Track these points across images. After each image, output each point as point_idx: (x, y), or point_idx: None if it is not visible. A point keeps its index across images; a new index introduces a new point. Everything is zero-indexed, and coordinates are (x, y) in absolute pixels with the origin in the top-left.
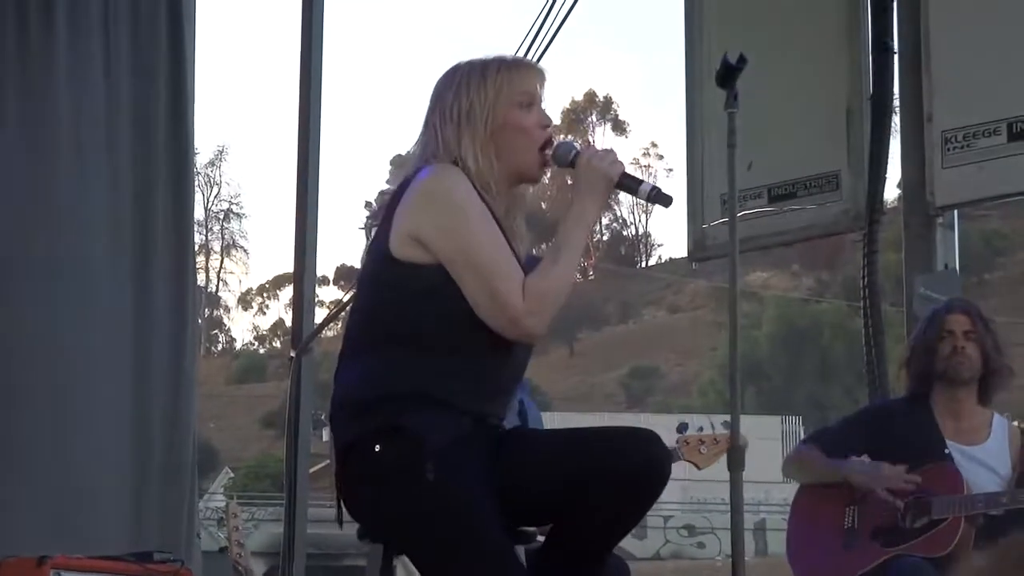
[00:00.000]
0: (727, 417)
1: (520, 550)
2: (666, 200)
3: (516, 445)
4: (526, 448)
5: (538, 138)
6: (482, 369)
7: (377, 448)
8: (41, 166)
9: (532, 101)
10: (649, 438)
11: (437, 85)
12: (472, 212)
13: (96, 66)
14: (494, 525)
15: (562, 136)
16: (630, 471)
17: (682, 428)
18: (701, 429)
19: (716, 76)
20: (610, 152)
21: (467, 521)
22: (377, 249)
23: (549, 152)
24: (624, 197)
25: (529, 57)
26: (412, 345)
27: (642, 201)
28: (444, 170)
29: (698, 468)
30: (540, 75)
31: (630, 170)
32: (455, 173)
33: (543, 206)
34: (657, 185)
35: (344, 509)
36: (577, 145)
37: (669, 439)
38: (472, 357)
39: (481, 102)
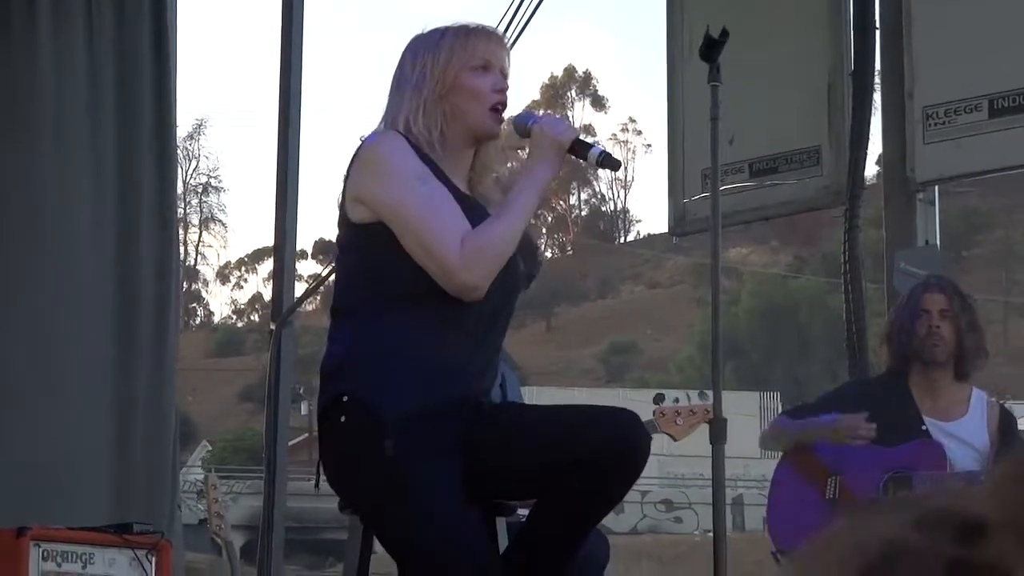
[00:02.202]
0: (704, 390)
1: (502, 522)
2: (615, 164)
3: (500, 420)
4: (510, 424)
5: (490, 100)
6: (449, 328)
7: (343, 419)
8: (21, 142)
9: (486, 66)
10: (630, 419)
11: (399, 58)
12: (404, 173)
13: (78, 41)
14: (453, 503)
15: (541, 111)
16: (610, 452)
17: (658, 400)
18: (677, 400)
19: (699, 50)
20: (563, 120)
21: (425, 498)
22: (340, 217)
23: (502, 114)
24: (603, 173)
25: (509, 31)
26: (377, 304)
27: (593, 166)
28: (381, 136)
29: (675, 439)
30: (497, 41)
31: (611, 147)
32: (391, 137)
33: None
34: (605, 149)
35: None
36: (537, 115)
37: (646, 412)
38: (436, 315)
39: (432, 65)
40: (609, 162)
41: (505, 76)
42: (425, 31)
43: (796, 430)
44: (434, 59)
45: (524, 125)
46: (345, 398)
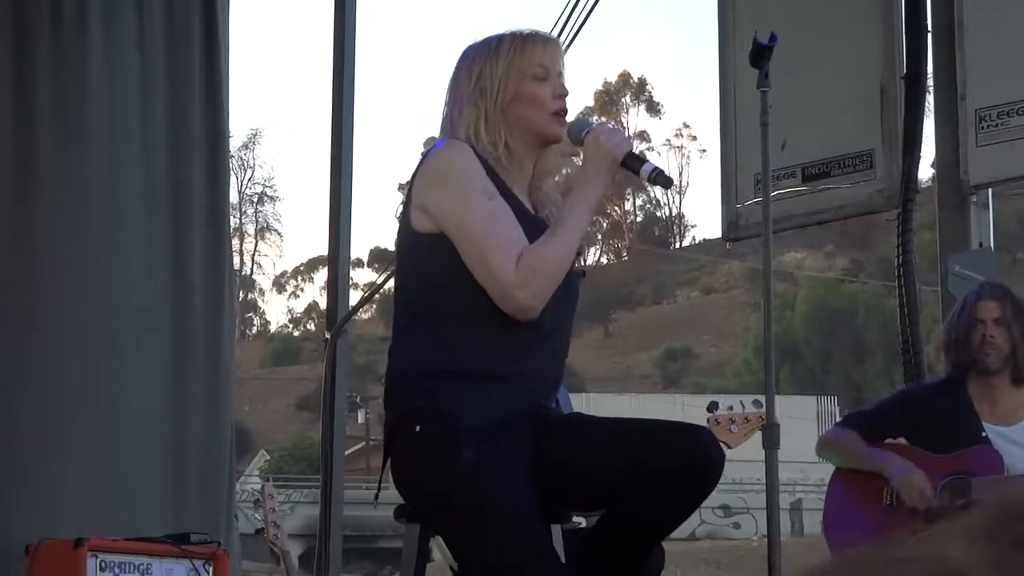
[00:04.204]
0: (758, 396)
1: (557, 529)
2: (666, 182)
3: (571, 432)
4: (580, 437)
5: (551, 106)
6: (513, 339)
7: (417, 428)
8: (74, 150)
9: (546, 74)
10: (704, 435)
11: (454, 67)
12: (469, 186)
13: (130, 48)
14: (530, 512)
15: (595, 117)
16: (685, 468)
17: (712, 407)
18: (731, 408)
19: (749, 56)
20: (618, 132)
21: (505, 506)
22: (403, 223)
23: (564, 119)
24: None
25: (561, 38)
26: (446, 314)
27: (644, 182)
28: (450, 145)
29: (729, 447)
30: (553, 47)
31: (665, 152)
32: (460, 148)
33: None
34: (658, 166)
35: (395, 487)
36: (592, 122)
37: (701, 419)
38: (500, 326)
39: (491, 77)
40: (661, 179)
41: (562, 79)
42: (478, 40)
43: (862, 457)
44: (492, 69)
45: (578, 133)
46: (419, 411)
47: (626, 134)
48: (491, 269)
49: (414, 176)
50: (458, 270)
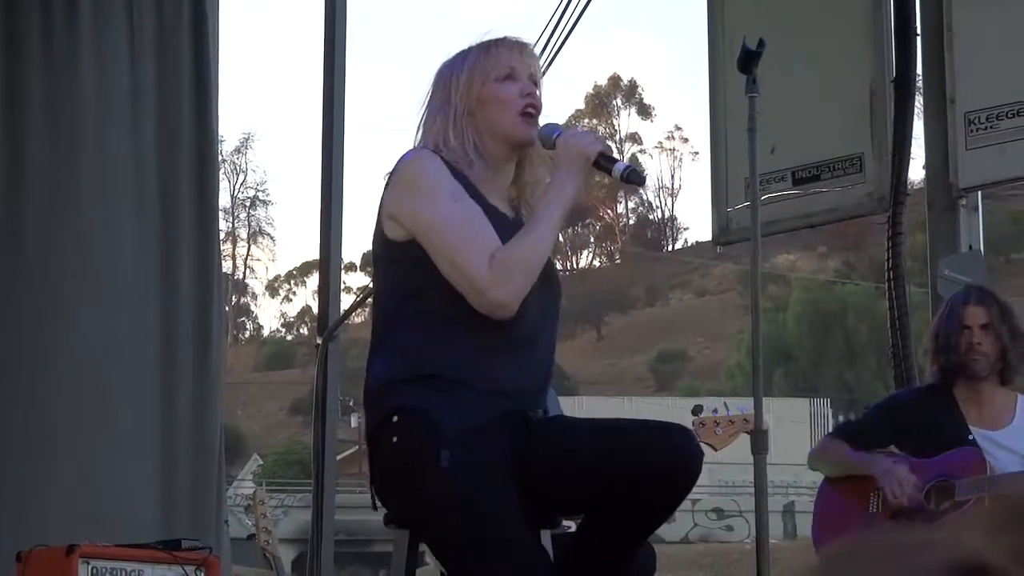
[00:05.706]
0: (750, 399)
1: (546, 534)
2: (639, 179)
3: (551, 435)
4: (560, 440)
5: (517, 105)
6: (490, 344)
7: (395, 440)
8: (64, 154)
9: (510, 74)
10: (682, 433)
11: (430, 84)
12: (435, 190)
13: (120, 54)
14: (510, 512)
15: (585, 121)
16: (663, 466)
17: (697, 410)
18: (716, 411)
19: (737, 61)
20: (589, 133)
21: (482, 509)
22: (376, 234)
23: (533, 116)
24: (650, 182)
25: (552, 42)
26: (420, 321)
27: (618, 181)
28: (416, 154)
29: (715, 450)
30: (522, 50)
31: (657, 154)
32: (426, 156)
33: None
34: (631, 165)
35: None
36: (561, 127)
37: (686, 422)
38: (477, 332)
39: (456, 86)
40: (634, 177)
41: (535, 83)
42: (451, 56)
43: (849, 463)
44: (458, 78)
45: (549, 137)
46: (395, 417)
47: (598, 135)
48: (462, 269)
49: (384, 187)
50: (431, 276)
